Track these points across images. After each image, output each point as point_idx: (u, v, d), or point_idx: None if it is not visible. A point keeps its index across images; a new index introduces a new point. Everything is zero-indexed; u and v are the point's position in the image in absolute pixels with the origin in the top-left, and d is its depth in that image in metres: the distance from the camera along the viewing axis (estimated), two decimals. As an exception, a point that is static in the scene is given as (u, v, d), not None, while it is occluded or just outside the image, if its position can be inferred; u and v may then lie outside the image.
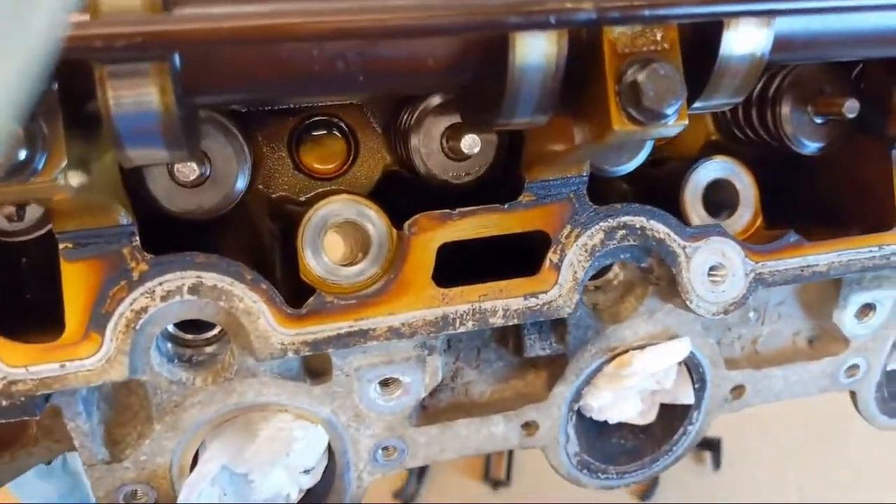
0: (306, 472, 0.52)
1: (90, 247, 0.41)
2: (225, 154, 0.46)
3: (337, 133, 0.55)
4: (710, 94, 0.38)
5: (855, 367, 0.60)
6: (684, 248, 0.49)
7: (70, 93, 0.30)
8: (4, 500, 1.08)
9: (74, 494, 1.16)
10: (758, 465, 1.27)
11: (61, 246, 0.41)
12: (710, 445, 1.27)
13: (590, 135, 0.37)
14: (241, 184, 0.47)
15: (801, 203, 0.58)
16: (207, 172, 0.45)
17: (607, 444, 0.60)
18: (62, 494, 1.17)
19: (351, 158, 0.55)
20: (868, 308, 0.58)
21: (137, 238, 0.42)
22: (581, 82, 0.37)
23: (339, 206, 0.47)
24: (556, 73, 0.35)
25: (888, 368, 0.64)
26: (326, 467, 0.54)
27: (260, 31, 0.27)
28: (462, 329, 0.46)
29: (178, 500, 0.49)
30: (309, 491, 0.54)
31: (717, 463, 1.26)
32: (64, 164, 0.29)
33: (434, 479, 1.18)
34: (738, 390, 0.59)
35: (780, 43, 0.38)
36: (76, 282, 0.42)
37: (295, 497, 0.54)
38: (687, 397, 0.57)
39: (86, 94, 0.31)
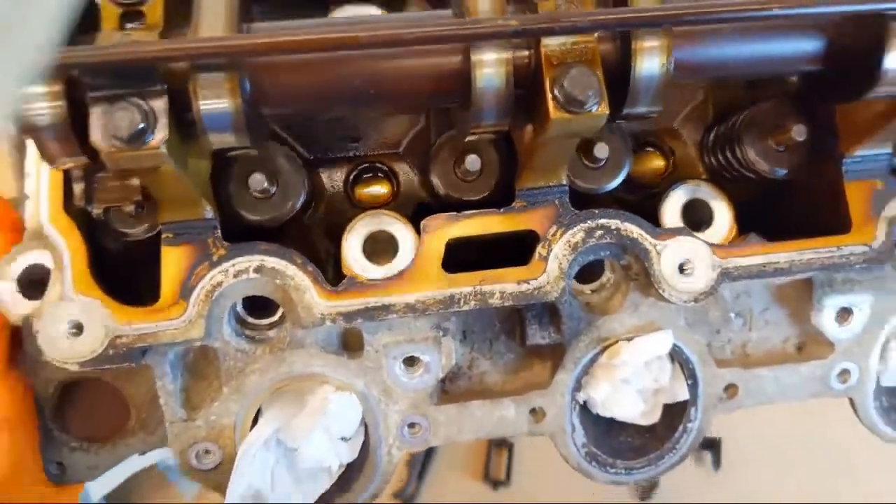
0: (345, 439, 0.61)
1: (184, 235, 0.56)
2: (289, 179, 0.60)
3: (382, 175, 0.69)
4: (632, 101, 0.50)
5: (846, 372, 0.66)
6: (655, 245, 0.59)
7: (177, 100, 0.46)
8: None
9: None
10: (758, 465, 1.27)
11: (164, 235, 0.56)
12: (710, 445, 1.29)
13: (540, 129, 0.49)
14: (298, 203, 0.61)
15: (777, 219, 0.66)
16: (273, 190, 0.60)
17: (615, 442, 0.66)
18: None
19: (394, 195, 0.69)
20: (846, 312, 0.64)
21: (219, 230, 0.56)
22: (533, 95, 0.50)
23: (373, 218, 0.60)
24: (507, 87, 0.49)
25: (886, 384, 0.69)
26: (362, 446, 0.64)
27: (297, 45, 0.42)
28: (465, 307, 0.57)
29: (237, 459, 0.59)
30: (347, 468, 0.64)
31: (717, 463, 1.27)
32: (165, 138, 0.44)
33: (434, 480, 1.20)
34: (731, 389, 0.65)
35: (683, 62, 0.50)
36: (171, 262, 0.56)
37: (336, 470, 0.63)
38: (682, 393, 0.64)
39: (188, 106, 0.47)
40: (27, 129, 0.47)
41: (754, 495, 1.21)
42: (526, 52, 0.50)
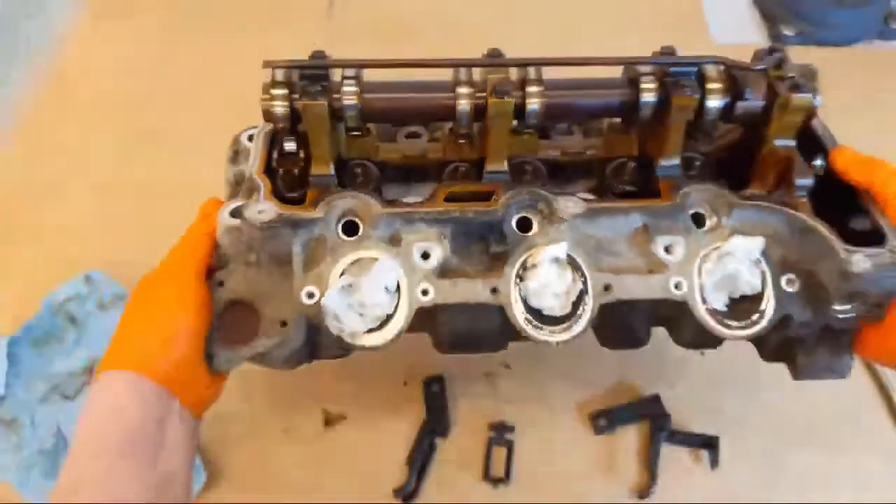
0: (388, 291, 1.09)
1: (318, 183, 1.15)
2: (371, 173, 1.21)
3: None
4: (528, 119, 1.12)
5: (679, 284, 1.12)
6: (554, 199, 1.14)
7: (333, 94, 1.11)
8: (6, 499, 1.17)
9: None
10: (756, 464, 1.25)
11: (311, 180, 1.15)
12: (708, 444, 1.28)
13: (486, 117, 1.11)
14: (374, 186, 1.20)
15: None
16: (362, 178, 1.20)
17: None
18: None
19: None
20: (670, 246, 1.14)
21: (336, 181, 1.15)
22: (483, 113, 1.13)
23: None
24: (473, 109, 1.12)
25: (710, 301, 1.13)
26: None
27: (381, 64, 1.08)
28: (455, 215, 1.10)
29: (325, 294, 1.08)
30: (386, 318, 1.09)
31: (714, 462, 1.26)
32: (326, 101, 1.08)
33: (434, 477, 1.21)
34: (608, 288, 1.11)
35: (548, 104, 1.13)
36: (311, 194, 1.14)
37: (380, 315, 1.09)
38: (578, 286, 1.11)
39: (338, 107, 1.12)
40: (271, 118, 1.12)
41: (752, 495, 1.20)
42: (482, 97, 1.14)
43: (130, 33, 1.80)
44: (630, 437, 1.34)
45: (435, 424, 1.29)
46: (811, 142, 1.23)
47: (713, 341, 1.23)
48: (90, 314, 1.31)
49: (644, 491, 1.26)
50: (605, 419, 1.34)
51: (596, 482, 1.27)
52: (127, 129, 1.61)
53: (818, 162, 1.22)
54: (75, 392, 1.26)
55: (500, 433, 1.29)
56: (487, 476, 1.25)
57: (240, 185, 1.25)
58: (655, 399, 1.37)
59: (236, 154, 1.30)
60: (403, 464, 1.25)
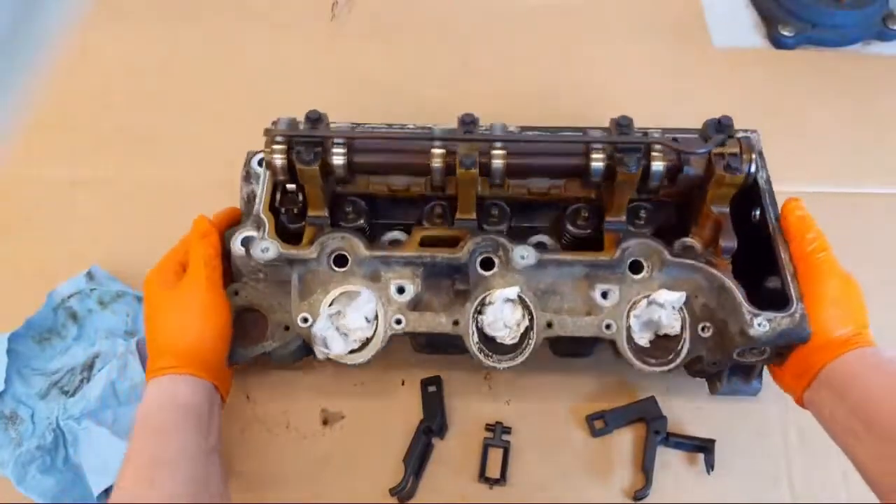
0: (367, 320, 1.33)
1: (314, 223, 1.37)
2: (362, 211, 1.42)
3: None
4: (493, 177, 1.32)
5: (610, 325, 1.34)
6: (511, 247, 1.34)
7: (325, 157, 1.31)
8: (5, 498, 1.18)
9: (75, 489, 1.19)
10: (751, 469, 1.28)
11: (308, 220, 1.36)
12: (704, 448, 1.29)
13: (456, 177, 1.30)
14: (363, 223, 1.42)
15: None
16: (353, 218, 1.41)
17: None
18: (64, 489, 1.19)
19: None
20: (606, 293, 1.35)
21: (329, 222, 1.37)
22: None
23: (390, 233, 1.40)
24: (443, 169, 1.32)
25: (636, 339, 1.35)
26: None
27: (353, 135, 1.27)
28: (426, 259, 1.32)
29: (317, 321, 1.32)
30: (365, 341, 1.34)
31: (710, 466, 1.27)
32: (319, 166, 1.28)
33: (430, 477, 1.25)
34: (550, 325, 1.34)
35: (509, 165, 1.31)
36: (308, 233, 1.35)
37: (361, 339, 1.33)
38: (525, 322, 1.34)
39: (329, 165, 1.32)
40: (273, 169, 1.33)
41: (747, 499, 1.21)
42: (452, 156, 1.33)
43: (131, 33, 1.76)
44: (626, 440, 1.30)
45: (431, 424, 1.34)
46: (755, 198, 1.40)
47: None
48: (91, 311, 1.31)
49: (639, 493, 1.28)
50: (602, 421, 1.36)
51: (591, 484, 1.25)
52: (128, 128, 1.59)
53: (756, 212, 1.40)
54: (74, 388, 1.24)
55: (497, 434, 1.33)
56: (483, 477, 1.28)
57: (251, 203, 1.46)
58: (652, 402, 1.41)
59: (248, 175, 1.51)
60: (400, 463, 1.25)
